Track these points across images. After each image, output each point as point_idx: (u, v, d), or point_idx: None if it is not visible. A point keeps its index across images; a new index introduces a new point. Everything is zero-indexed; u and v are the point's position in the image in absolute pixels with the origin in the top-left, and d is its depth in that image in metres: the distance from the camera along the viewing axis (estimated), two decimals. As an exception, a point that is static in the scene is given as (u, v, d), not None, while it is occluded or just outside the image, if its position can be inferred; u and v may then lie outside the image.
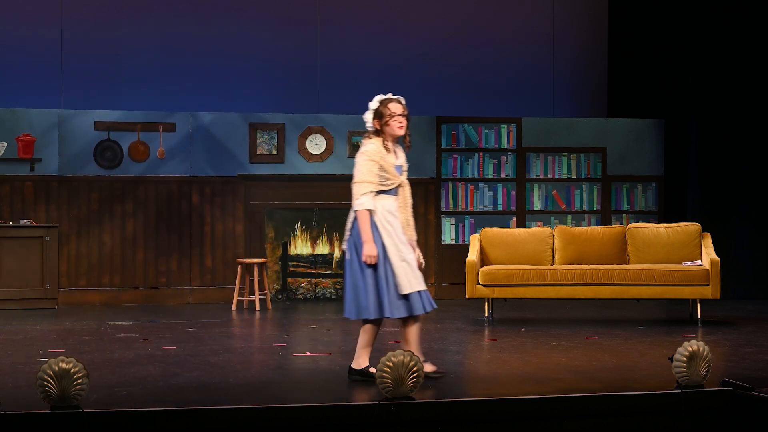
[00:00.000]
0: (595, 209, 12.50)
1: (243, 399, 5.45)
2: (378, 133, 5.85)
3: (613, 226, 10.59)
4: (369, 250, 5.71)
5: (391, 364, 5.02)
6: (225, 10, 12.38)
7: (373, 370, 5.50)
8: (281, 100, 12.37)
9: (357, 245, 5.79)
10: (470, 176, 12.29)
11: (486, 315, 9.41)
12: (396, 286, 5.74)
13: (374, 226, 5.77)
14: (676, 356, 5.36)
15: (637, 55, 12.81)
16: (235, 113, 11.86)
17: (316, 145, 11.91)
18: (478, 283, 9.31)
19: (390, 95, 5.91)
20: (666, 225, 9.87)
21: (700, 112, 11.99)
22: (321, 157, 11.92)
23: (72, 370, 4.71)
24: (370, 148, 5.81)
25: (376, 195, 5.79)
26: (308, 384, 6.03)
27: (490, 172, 12.33)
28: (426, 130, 12.12)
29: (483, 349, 7.69)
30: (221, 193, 11.70)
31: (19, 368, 6.42)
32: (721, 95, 11.98)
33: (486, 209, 12.31)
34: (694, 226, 9.73)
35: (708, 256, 9.32)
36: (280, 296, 11.79)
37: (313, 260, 11.90)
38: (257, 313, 10.36)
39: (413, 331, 5.88)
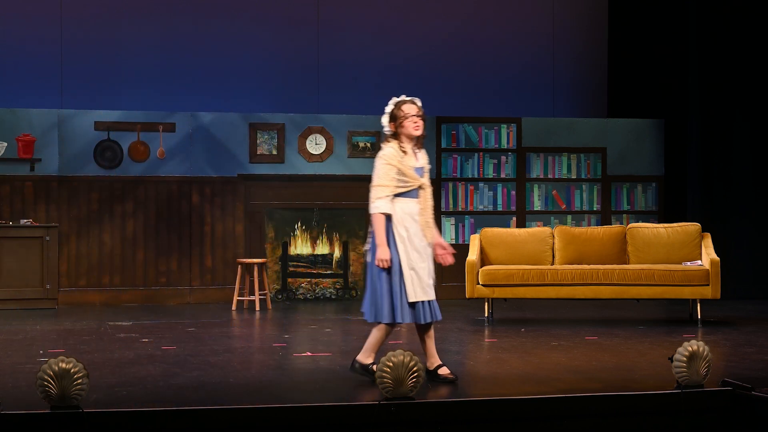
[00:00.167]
0: (595, 209, 12.50)
1: (243, 399, 5.46)
2: (395, 135, 5.90)
3: (613, 226, 10.58)
4: (381, 254, 5.76)
5: (391, 364, 5.03)
6: (225, 10, 12.37)
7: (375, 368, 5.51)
8: (281, 100, 12.36)
9: (374, 249, 5.83)
10: (470, 176, 12.28)
11: (486, 315, 9.41)
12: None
13: (390, 230, 5.81)
14: (676, 356, 5.36)
15: (637, 55, 12.80)
16: (235, 113, 11.86)
17: (316, 145, 11.91)
18: (478, 283, 9.31)
19: (404, 97, 5.96)
20: (666, 225, 9.87)
21: (700, 112, 11.99)
22: (321, 157, 11.92)
23: (72, 370, 4.71)
24: (388, 152, 5.86)
25: (394, 198, 5.82)
26: (308, 384, 6.03)
27: (490, 172, 12.33)
28: (426, 130, 12.06)
29: (483, 349, 7.69)
30: (221, 193, 11.69)
31: (19, 368, 6.42)
32: (721, 95, 11.98)
33: (486, 209, 12.31)
34: (694, 226, 9.72)
35: (708, 256, 9.32)
36: (280, 296, 11.78)
37: (313, 260, 11.90)
38: (257, 313, 10.36)
39: (426, 335, 5.96)
